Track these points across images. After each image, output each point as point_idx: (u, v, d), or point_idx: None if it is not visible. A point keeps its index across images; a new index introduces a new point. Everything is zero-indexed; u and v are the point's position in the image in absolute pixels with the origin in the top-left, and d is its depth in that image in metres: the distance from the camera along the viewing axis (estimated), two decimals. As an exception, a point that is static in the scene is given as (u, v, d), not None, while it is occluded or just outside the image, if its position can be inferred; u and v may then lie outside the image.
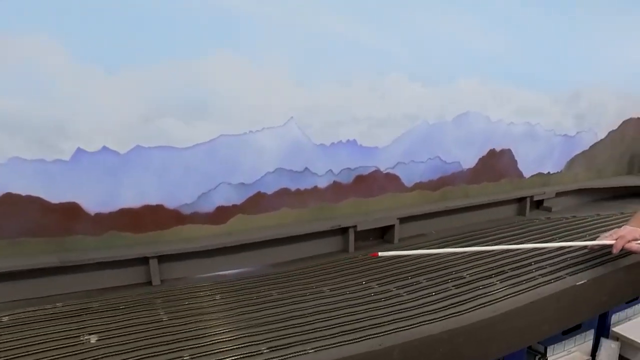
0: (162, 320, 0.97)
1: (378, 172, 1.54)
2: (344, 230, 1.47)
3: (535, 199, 1.98)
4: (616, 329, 1.50)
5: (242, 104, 1.23)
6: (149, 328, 0.94)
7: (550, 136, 2.06)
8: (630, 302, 1.55)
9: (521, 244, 1.49)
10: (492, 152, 1.86)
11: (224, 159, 1.23)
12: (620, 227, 1.30)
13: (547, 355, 1.35)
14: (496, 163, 1.89)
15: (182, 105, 1.15)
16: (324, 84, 1.36)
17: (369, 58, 1.43)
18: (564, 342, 1.38)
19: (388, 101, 1.51)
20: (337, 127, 1.41)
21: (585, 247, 1.32)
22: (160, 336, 0.90)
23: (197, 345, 0.87)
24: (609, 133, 2.34)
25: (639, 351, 1.46)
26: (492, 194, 1.88)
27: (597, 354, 1.46)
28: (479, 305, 1.08)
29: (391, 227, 1.54)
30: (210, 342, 0.88)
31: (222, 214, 1.26)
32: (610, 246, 1.23)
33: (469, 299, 1.11)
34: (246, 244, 1.26)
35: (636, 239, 1.20)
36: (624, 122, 2.40)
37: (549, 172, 2.11)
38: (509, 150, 1.92)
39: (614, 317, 1.53)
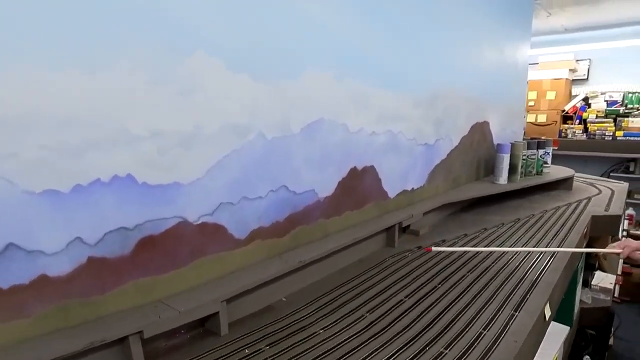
0: None
1: (184, 226, 0.90)
2: (121, 339, 0.79)
3: (404, 224, 1.62)
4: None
5: None
6: None
7: (412, 146, 1.74)
8: None
9: (411, 283, 1.06)
10: (353, 172, 1.40)
11: None
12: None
13: None
14: (359, 185, 1.45)
15: None
16: (35, 64, 0.65)
17: (147, 19, 0.78)
18: None
19: (194, 102, 0.88)
20: (83, 153, 0.72)
21: (593, 253, 1.44)
22: None
23: None
24: (462, 139, 2.19)
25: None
26: (356, 226, 1.43)
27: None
28: None
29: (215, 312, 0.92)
30: None
31: None
32: (617, 253, 1.28)
33: None
34: None
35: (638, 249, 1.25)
36: (472, 126, 2.30)
37: (412, 189, 1.79)
38: (372, 167, 1.50)
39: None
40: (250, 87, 1.00)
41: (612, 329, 2.85)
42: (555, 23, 3.93)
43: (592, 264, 2.52)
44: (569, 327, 1.69)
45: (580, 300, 2.26)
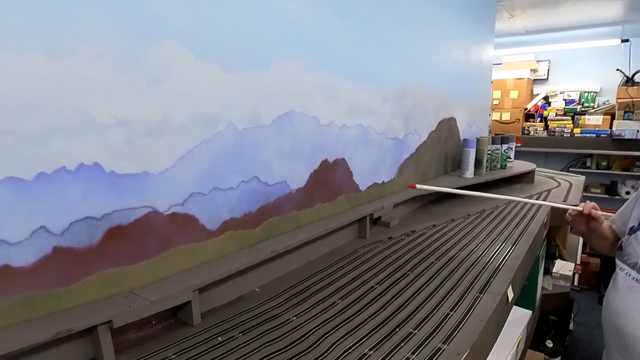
0: None
1: (154, 216, 0.89)
2: (90, 330, 0.78)
3: (375, 216, 1.66)
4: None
5: None
6: None
7: (382, 140, 1.78)
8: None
9: (382, 271, 1.09)
10: (325, 164, 1.42)
11: None
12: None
13: None
14: (330, 177, 1.47)
15: None
16: None
17: (115, 4, 0.77)
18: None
19: (163, 91, 0.88)
20: (46, 140, 0.70)
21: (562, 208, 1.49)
22: None
23: None
24: (430, 134, 2.26)
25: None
26: (328, 218, 1.45)
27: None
28: None
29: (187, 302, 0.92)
30: None
31: None
32: (581, 211, 1.35)
33: None
34: None
35: (596, 209, 1.35)
36: (440, 122, 2.37)
37: (383, 181, 1.83)
38: (344, 160, 1.53)
39: None
40: (220, 78, 1.00)
41: (572, 315, 3.01)
42: (517, 25, 4.10)
43: (552, 253, 2.65)
44: (531, 312, 1.77)
45: (542, 287, 2.37)
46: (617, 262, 1.33)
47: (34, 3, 0.66)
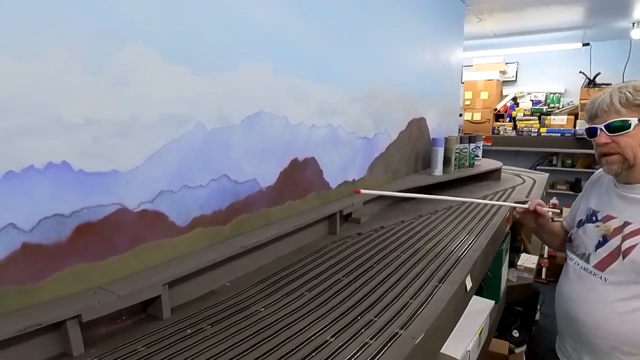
0: None
1: (124, 213, 0.92)
2: (59, 324, 0.80)
3: (345, 212, 1.72)
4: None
5: None
6: None
7: (352, 139, 1.84)
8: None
9: (349, 264, 1.14)
10: (294, 163, 1.47)
11: None
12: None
13: None
14: (301, 175, 1.52)
15: None
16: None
17: (83, 7, 0.80)
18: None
19: (131, 92, 0.91)
20: (14, 139, 0.72)
21: (508, 206, 1.63)
22: None
23: None
24: (400, 133, 2.33)
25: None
26: (299, 215, 1.50)
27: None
28: None
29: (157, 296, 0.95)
30: None
31: None
32: (527, 208, 1.43)
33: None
34: None
35: (542, 205, 1.43)
36: (409, 122, 2.45)
37: (354, 180, 1.90)
38: (314, 159, 1.58)
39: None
40: (188, 79, 1.03)
41: (538, 306, 3.15)
42: (486, 28, 4.24)
43: (517, 246, 2.77)
44: (494, 302, 1.86)
45: (507, 280, 2.49)
46: (568, 252, 1.43)
47: (1, 5, 0.69)
